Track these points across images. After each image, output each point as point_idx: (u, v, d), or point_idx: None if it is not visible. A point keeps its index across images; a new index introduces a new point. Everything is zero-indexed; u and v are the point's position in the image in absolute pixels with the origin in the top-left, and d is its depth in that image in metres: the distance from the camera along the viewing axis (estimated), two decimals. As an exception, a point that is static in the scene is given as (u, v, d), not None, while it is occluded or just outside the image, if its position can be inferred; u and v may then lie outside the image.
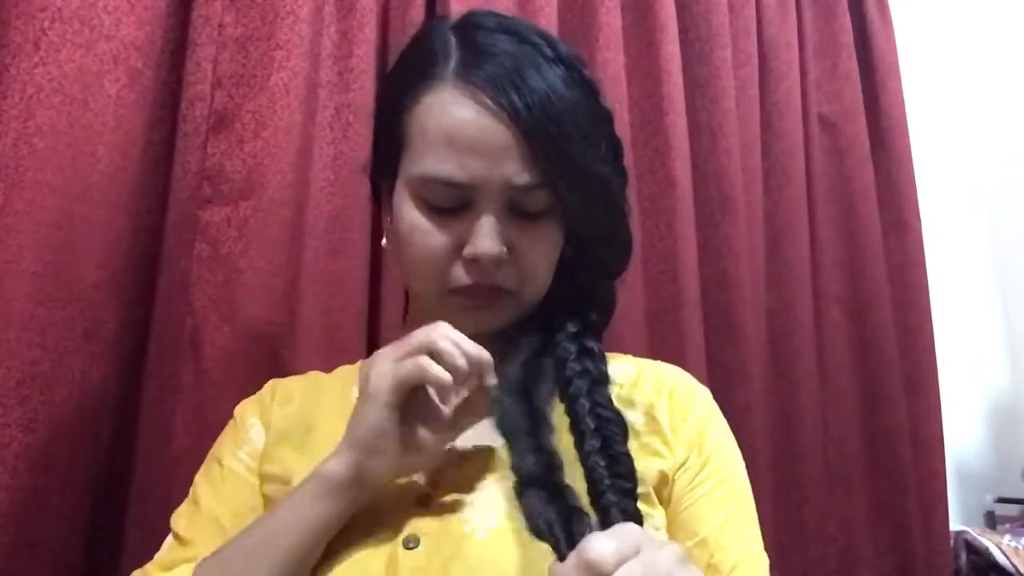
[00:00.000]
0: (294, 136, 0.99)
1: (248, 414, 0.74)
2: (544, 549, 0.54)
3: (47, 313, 0.81)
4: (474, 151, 0.60)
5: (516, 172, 0.61)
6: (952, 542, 1.50)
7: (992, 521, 1.74)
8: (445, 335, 0.57)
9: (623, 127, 1.24)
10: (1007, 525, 1.66)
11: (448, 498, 0.60)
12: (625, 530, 0.44)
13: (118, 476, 0.91)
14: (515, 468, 0.57)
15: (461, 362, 0.56)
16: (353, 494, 0.58)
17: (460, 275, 0.63)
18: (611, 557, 0.41)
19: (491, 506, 0.58)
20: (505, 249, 0.62)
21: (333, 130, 1.06)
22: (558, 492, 0.55)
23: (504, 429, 0.59)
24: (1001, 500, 1.74)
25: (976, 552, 1.51)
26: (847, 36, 1.58)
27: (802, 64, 1.51)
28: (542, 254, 0.66)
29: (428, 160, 0.62)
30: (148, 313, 0.95)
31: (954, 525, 1.53)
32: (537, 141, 0.60)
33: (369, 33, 1.08)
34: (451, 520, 0.58)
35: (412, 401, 0.57)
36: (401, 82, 0.67)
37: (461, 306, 0.64)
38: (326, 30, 1.07)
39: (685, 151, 1.28)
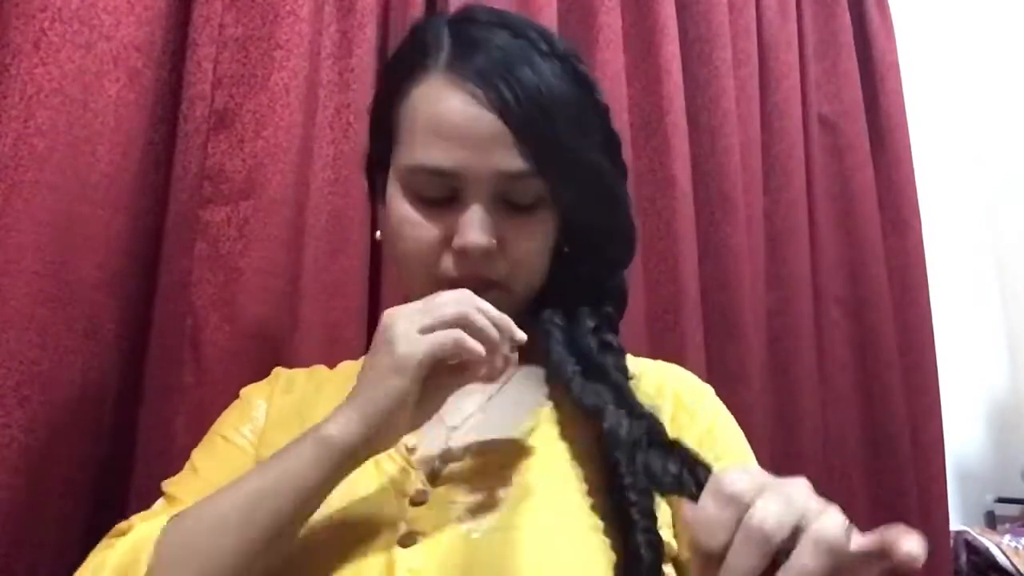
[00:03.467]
0: (294, 136, 0.99)
1: (255, 396, 0.74)
2: (542, 552, 0.54)
3: (47, 313, 0.81)
4: (460, 139, 0.60)
5: (504, 160, 0.60)
6: (952, 542, 1.51)
7: (992, 521, 1.75)
8: (475, 305, 0.55)
9: (623, 127, 1.24)
10: (1007, 525, 1.66)
11: (445, 496, 0.59)
12: (750, 468, 0.42)
13: (118, 476, 0.91)
14: (611, 433, 0.56)
15: (495, 334, 0.55)
16: (354, 462, 0.55)
17: (448, 267, 0.63)
18: (749, 487, 0.39)
19: (490, 506, 0.57)
20: (494, 241, 0.62)
21: (333, 130, 1.06)
22: (672, 447, 0.53)
23: (587, 405, 0.58)
24: (1001, 500, 1.75)
25: (976, 552, 1.51)
26: (847, 36, 1.58)
27: (802, 64, 1.51)
28: (533, 246, 0.65)
29: (416, 150, 0.62)
30: (148, 313, 0.95)
31: (954, 525, 1.53)
32: (526, 131, 0.60)
33: (369, 33, 1.08)
34: (448, 519, 0.57)
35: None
36: (394, 75, 0.67)
37: None
38: (326, 30, 1.07)
39: (685, 151, 1.28)
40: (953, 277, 1.80)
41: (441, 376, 0.55)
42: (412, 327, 0.54)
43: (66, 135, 0.84)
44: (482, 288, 0.61)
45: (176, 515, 0.57)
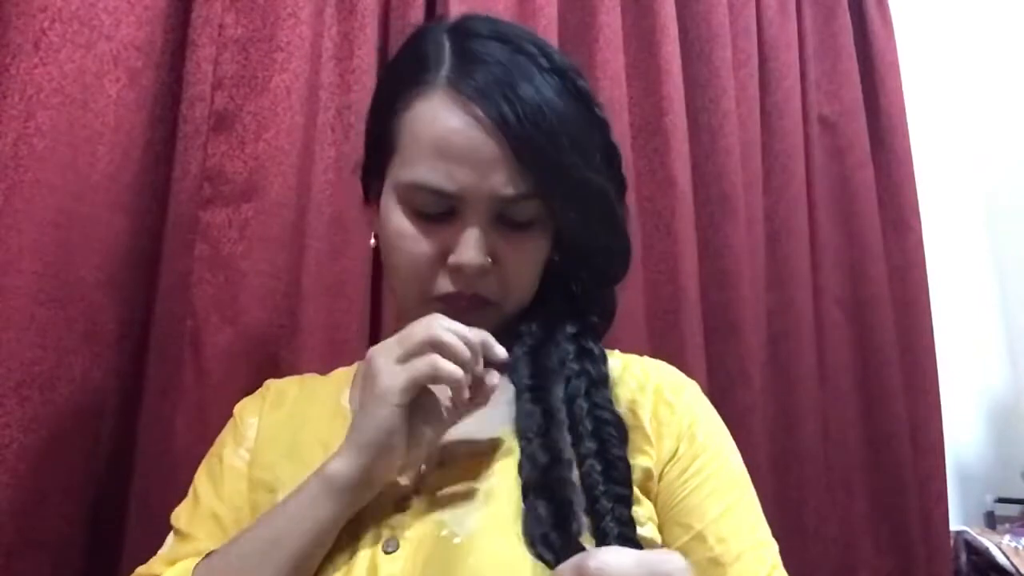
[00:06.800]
0: (296, 138, 0.99)
1: (247, 413, 0.74)
2: (522, 553, 0.54)
3: (47, 313, 0.81)
4: (463, 161, 0.61)
5: (503, 184, 0.61)
6: (952, 542, 1.51)
7: (992, 521, 1.75)
8: (445, 327, 0.56)
9: (623, 127, 1.24)
10: (1007, 525, 1.66)
11: (428, 501, 0.59)
12: (622, 553, 0.43)
13: (118, 476, 0.91)
14: (521, 470, 0.57)
15: (467, 353, 0.56)
16: (359, 494, 0.58)
17: (444, 283, 0.64)
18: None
19: (470, 510, 0.58)
20: (489, 260, 0.63)
21: (335, 132, 1.06)
22: (561, 502, 0.55)
23: (519, 429, 0.59)
24: (1001, 500, 1.75)
25: (976, 552, 1.51)
26: (847, 36, 1.58)
27: (802, 64, 1.52)
28: (527, 264, 0.66)
29: (417, 168, 0.62)
30: (148, 313, 0.95)
31: (954, 525, 1.54)
32: (527, 153, 0.60)
33: (370, 34, 1.08)
34: (429, 524, 0.58)
35: (415, 397, 0.58)
36: (394, 85, 0.67)
37: (441, 313, 0.63)
38: (327, 32, 1.07)
39: (685, 151, 1.29)
40: (953, 277, 1.80)
41: (432, 413, 0.58)
42: (390, 359, 0.56)
43: (66, 135, 0.84)
44: (476, 305, 0.64)
45: (200, 563, 0.60)
